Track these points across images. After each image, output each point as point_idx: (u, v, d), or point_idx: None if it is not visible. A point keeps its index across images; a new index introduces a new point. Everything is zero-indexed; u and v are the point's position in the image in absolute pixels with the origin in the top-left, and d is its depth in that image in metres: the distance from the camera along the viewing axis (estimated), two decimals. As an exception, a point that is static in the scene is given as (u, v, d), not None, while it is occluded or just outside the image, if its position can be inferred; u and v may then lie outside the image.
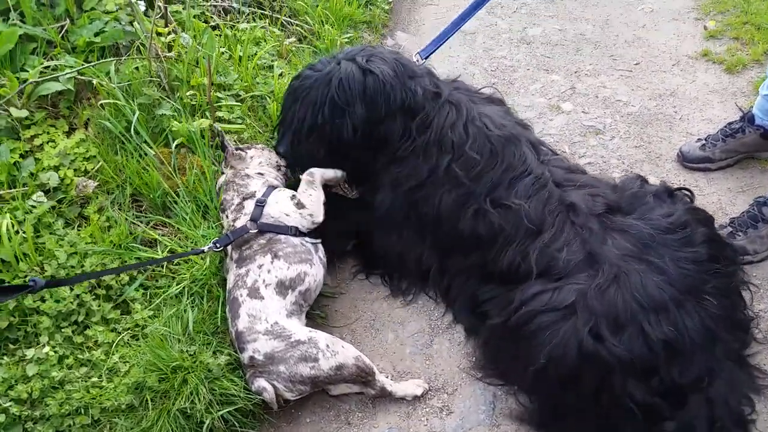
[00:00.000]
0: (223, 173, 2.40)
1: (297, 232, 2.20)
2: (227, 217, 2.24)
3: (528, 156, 2.20)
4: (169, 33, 2.52)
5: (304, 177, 2.29)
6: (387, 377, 2.13)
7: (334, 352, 1.97)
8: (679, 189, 2.22)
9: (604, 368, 1.76)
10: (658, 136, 3.07)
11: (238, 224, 2.18)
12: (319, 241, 2.27)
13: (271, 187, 2.29)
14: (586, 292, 1.84)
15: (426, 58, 2.58)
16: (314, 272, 2.17)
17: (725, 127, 2.81)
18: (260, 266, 2.08)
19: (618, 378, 1.75)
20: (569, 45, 3.85)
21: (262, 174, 2.34)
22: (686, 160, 2.83)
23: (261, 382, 1.94)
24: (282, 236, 2.17)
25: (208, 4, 3.33)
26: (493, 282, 2.15)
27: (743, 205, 2.62)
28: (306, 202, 2.24)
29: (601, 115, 3.26)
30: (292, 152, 2.37)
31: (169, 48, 2.59)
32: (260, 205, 2.21)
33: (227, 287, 2.12)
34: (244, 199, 2.24)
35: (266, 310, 2.01)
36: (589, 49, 3.80)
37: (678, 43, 3.75)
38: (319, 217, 2.25)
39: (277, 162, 2.45)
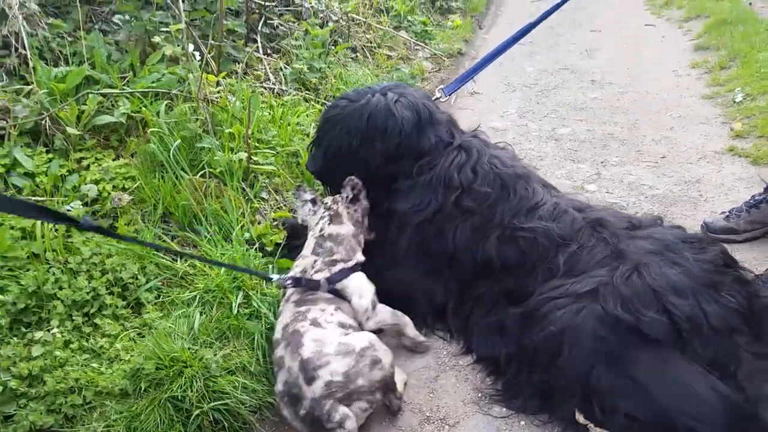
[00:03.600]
0: (318, 202, 2.39)
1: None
2: (314, 264, 2.20)
3: (539, 190, 2.29)
4: (217, 83, 2.79)
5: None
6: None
7: (387, 348, 1.96)
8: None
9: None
10: (682, 213, 3.08)
11: (318, 276, 2.16)
12: None
13: (357, 266, 2.27)
14: (609, 281, 1.94)
15: (449, 95, 2.72)
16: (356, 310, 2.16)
17: (750, 199, 2.83)
18: (323, 310, 2.05)
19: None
20: (597, 142, 4.00)
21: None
22: (710, 231, 2.82)
23: (344, 410, 1.80)
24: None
25: (261, 84, 3.67)
26: (520, 305, 2.14)
27: (770, 275, 2.55)
28: (379, 308, 2.20)
29: (625, 195, 3.31)
30: (323, 172, 2.49)
31: (218, 96, 2.85)
32: (342, 275, 2.18)
33: (280, 326, 2.04)
34: (337, 261, 2.22)
35: (330, 336, 1.94)
36: (616, 145, 3.94)
37: (705, 141, 3.86)
38: (371, 325, 2.18)
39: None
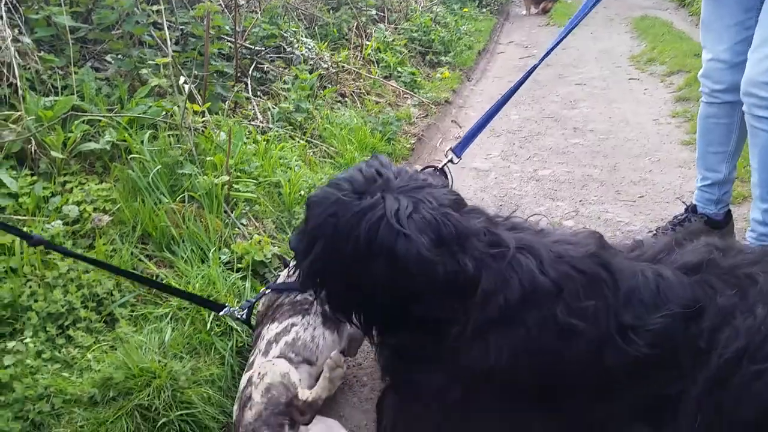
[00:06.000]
0: None
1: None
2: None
3: (624, 266, 1.75)
4: (202, 114, 2.89)
5: None
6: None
7: (263, 374, 1.82)
8: None
9: None
10: (655, 246, 3.15)
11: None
12: None
13: None
14: None
15: (461, 156, 2.37)
16: (305, 321, 2.03)
17: (673, 218, 3.08)
18: (261, 338, 2.03)
19: None
20: (576, 182, 4.09)
21: None
22: (641, 248, 2.98)
23: None
24: (284, 297, 2.11)
25: (250, 122, 3.79)
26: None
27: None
28: None
29: (602, 232, 3.35)
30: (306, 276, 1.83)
31: (204, 127, 2.96)
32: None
33: None
34: None
35: (245, 377, 1.91)
36: (595, 185, 4.03)
37: (682, 182, 3.95)
38: None
39: None
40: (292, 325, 2.04)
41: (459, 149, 2.39)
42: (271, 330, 2.04)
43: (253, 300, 2.15)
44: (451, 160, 2.32)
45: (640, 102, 6.15)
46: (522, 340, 1.68)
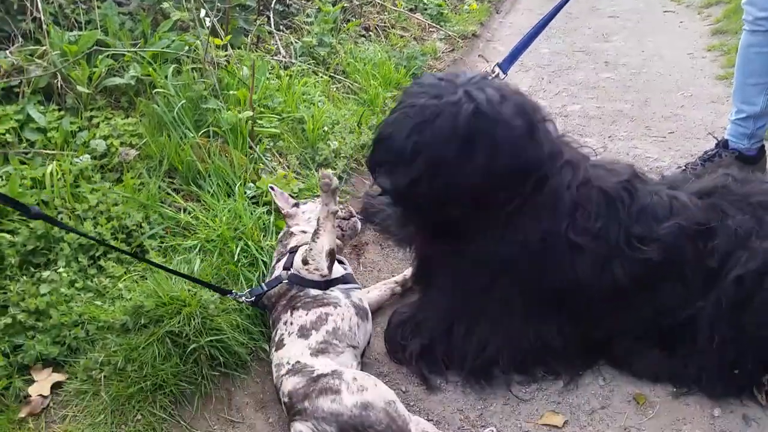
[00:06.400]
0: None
1: (325, 285, 2.07)
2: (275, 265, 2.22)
3: (644, 190, 1.99)
4: (225, 48, 2.87)
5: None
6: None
7: (362, 387, 1.71)
8: None
9: None
10: (684, 182, 3.10)
11: (276, 272, 2.16)
12: (353, 286, 2.14)
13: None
14: None
15: (506, 73, 2.27)
16: (340, 312, 1.99)
17: (703, 154, 3.06)
18: (285, 323, 1.99)
19: None
20: (606, 118, 4.01)
21: (305, 231, 2.28)
22: (669, 184, 2.97)
23: (296, 426, 1.71)
24: (297, 290, 2.06)
25: (273, 57, 3.75)
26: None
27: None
28: (308, 256, 2.07)
29: (630, 167, 3.32)
30: (401, 191, 1.88)
31: (226, 62, 2.94)
32: (292, 252, 2.18)
33: None
34: (285, 254, 2.22)
35: (288, 354, 1.89)
36: (625, 121, 3.95)
37: (715, 118, 3.85)
38: (324, 270, 2.06)
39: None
40: (327, 314, 1.98)
41: (506, 64, 2.30)
42: (299, 317, 1.98)
43: (266, 289, 2.08)
44: (497, 76, 2.27)
45: (675, 35, 5.95)
46: (539, 242, 1.87)
